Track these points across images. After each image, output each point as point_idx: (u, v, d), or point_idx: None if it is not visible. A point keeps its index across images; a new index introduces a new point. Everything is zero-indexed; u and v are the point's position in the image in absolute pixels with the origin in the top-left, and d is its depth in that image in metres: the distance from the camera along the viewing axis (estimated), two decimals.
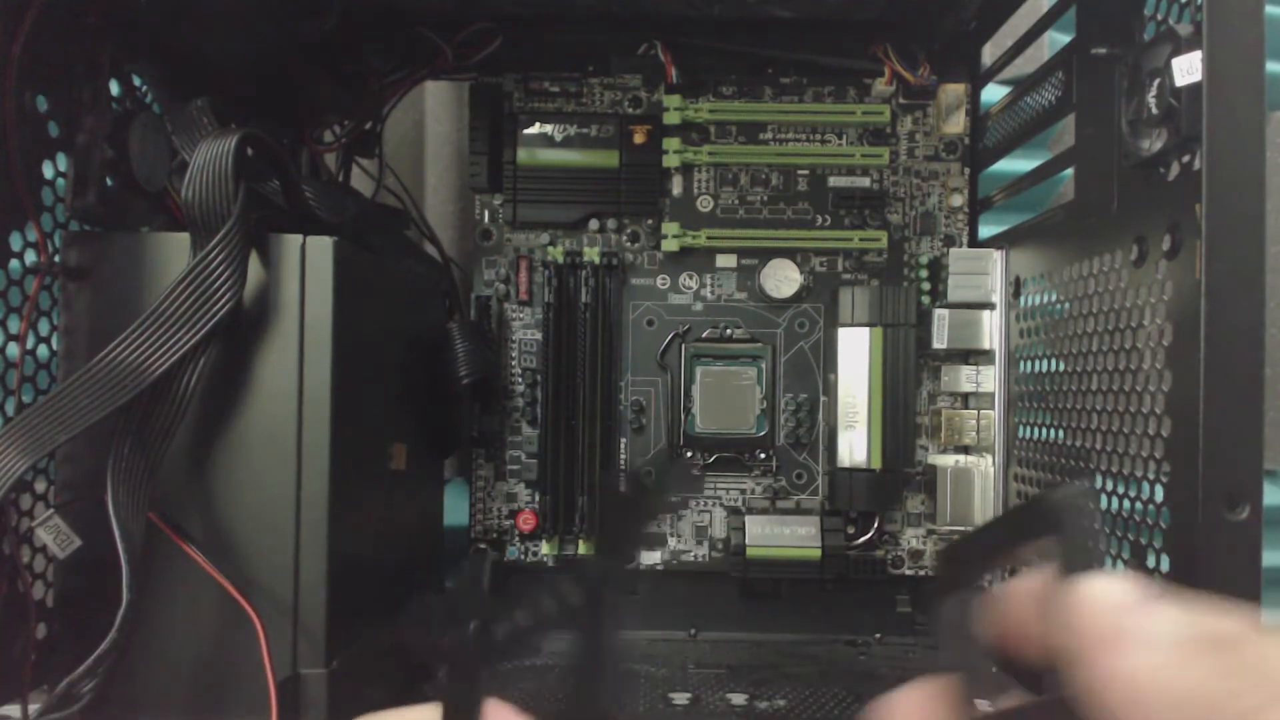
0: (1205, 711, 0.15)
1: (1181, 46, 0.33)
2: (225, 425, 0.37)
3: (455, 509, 0.59)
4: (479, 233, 0.59)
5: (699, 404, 0.57)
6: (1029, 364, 0.51)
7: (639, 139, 0.57)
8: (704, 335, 0.58)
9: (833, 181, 0.58)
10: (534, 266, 0.58)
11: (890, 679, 0.50)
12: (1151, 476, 0.36)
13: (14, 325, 0.38)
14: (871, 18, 0.55)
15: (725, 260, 0.58)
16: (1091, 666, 0.17)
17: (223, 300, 0.35)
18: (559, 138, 0.57)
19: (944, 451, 0.56)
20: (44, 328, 0.39)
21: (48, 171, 0.39)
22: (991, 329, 0.55)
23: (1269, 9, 0.32)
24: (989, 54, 0.59)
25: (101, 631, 0.33)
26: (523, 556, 0.58)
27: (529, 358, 0.58)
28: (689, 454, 0.58)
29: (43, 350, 0.39)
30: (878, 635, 0.58)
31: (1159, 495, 0.35)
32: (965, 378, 0.56)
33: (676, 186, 0.58)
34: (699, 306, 0.58)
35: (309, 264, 0.37)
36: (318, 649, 0.37)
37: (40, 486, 0.39)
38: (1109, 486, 0.40)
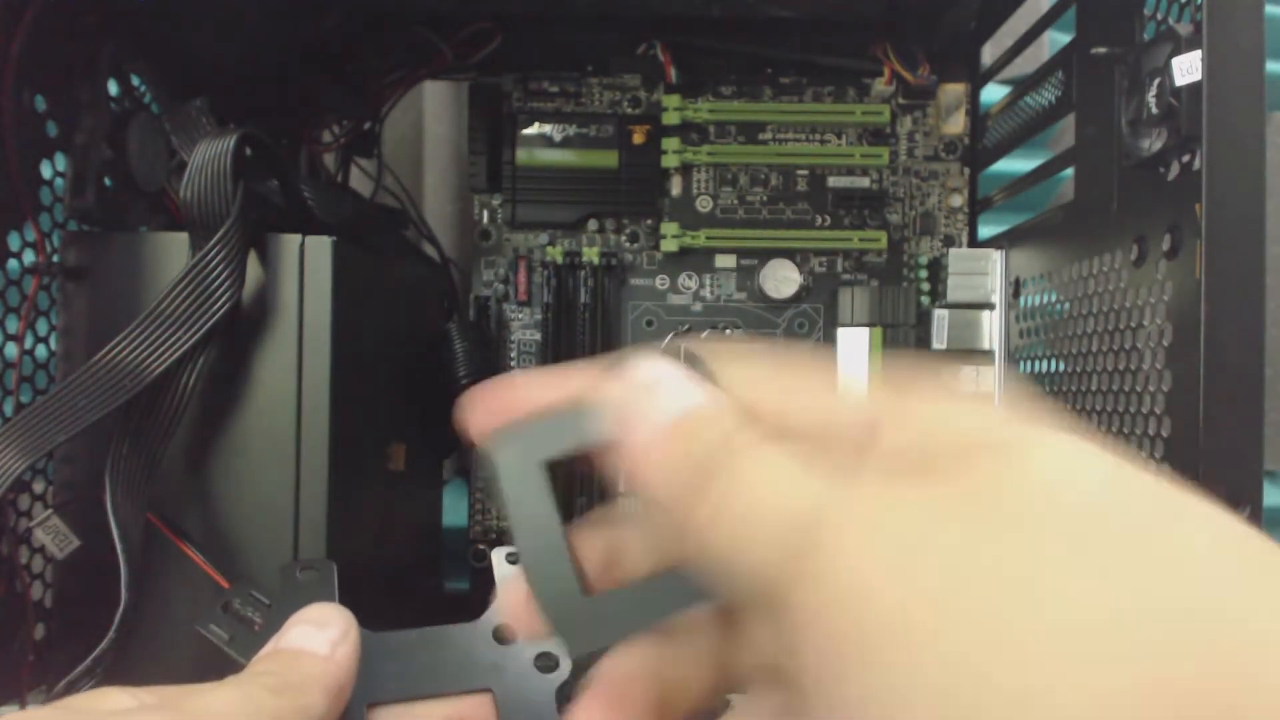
0: (693, 472, 0.17)
1: (1181, 46, 0.33)
2: (224, 425, 0.37)
3: (454, 510, 0.59)
4: (478, 233, 0.59)
5: None
6: (1029, 364, 0.51)
7: (638, 139, 0.57)
8: (703, 335, 0.58)
9: (832, 181, 0.58)
10: (533, 267, 0.58)
11: None
12: None
13: (12, 325, 0.38)
14: (871, 18, 0.55)
15: (724, 260, 0.58)
16: (621, 450, 0.18)
17: (221, 300, 0.35)
18: (558, 138, 0.57)
19: None
20: (42, 328, 0.39)
21: (46, 171, 0.39)
22: (991, 329, 0.55)
23: (1269, 9, 0.32)
24: (989, 54, 0.59)
25: (100, 632, 0.33)
26: None
27: (528, 358, 0.58)
28: None
29: (41, 350, 0.39)
30: None
31: None
32: (965, 378, 0.56)
33: (675, 187, 0.58)
34: (698, 307, 0.58)
35: (308, 264, 0.37)
36: None
37: (39, 487, 0.39)
38: None
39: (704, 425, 0.18)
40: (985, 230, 0.59)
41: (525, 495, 0.19)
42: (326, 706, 0.23)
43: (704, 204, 0.58)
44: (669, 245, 0.57)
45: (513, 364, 0.58)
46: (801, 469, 0.17)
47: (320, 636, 0.25)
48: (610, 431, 0.18)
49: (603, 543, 0.20)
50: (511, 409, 0.20)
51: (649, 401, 0.18)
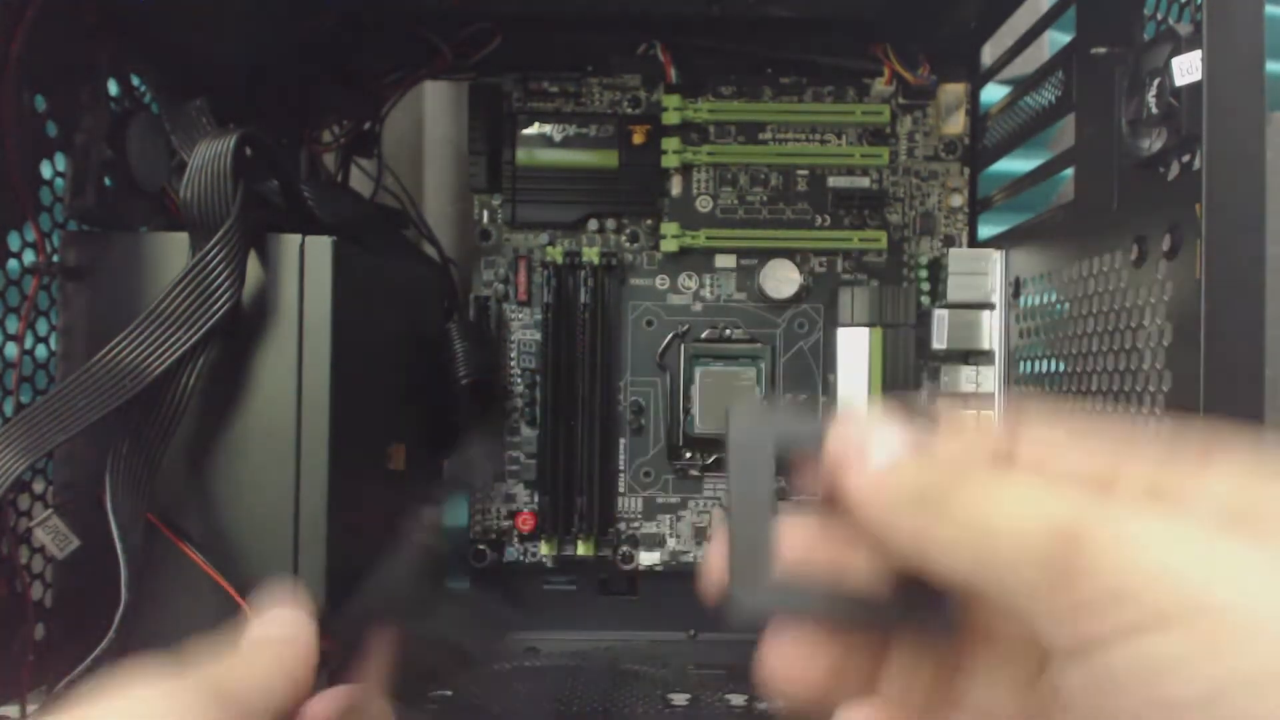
0: (920, 500, 0.18)
1: (1181, 46, 0.33)
2: (224, 425, 0.37)
3: (454, 510, 0.59)
4: (478, 233, 0.59)
5: (698, 404, 0.57)
6: (1029, 364, 0.51)
7: (638, 139, 0.57)
8: (703, 336, 0.58)
9: (832, 181, 0.58)
10: (533, 267, 0.58)
11: None
12: None
13: (12, 325, 0.38)
14: (871, 18, 0.55)
15: (724, 260, 0.58)
16: (845, 487, 0.20)
17: (221, 300, 0.35)
18: (558, 138, 0.57)
19: None
20: (42, 328, 0.39)
21: (46, 171, 0.39)
22: (991, 329, 0.55)
23: (1269, 9, 0.32)
24: (989, 54, 0.59)
25: (100, 632, 0.33)
26: (521, 557, 0.58)
27: (528, 358, 0.58)
28: (688, 454, 0.58)
29: (41, 350, 0.39)
30: None
31: None
32: (965, 378, 0.56)
33: (676, 187, 0.58)
34: (698, 307, 0.58)
35: (308, 264, 0.37)
36: None
37: (39, 486, 0.39)
38: None
39: (935, 453, 0.19)
40: (985, 230, 0.59)
41: (750, 470, 0.21)
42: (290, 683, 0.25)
43: (704, 204, 0.58)
44: (669, 245, 0.57)
45: (513, 364, 0.58)
46: (1051, 485, 0.17)
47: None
48: (837, 452, 0.20)
49: (813, 531, 0.21)
50: None
51: (875, 439, 0.20)
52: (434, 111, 0.68)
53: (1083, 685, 0.15)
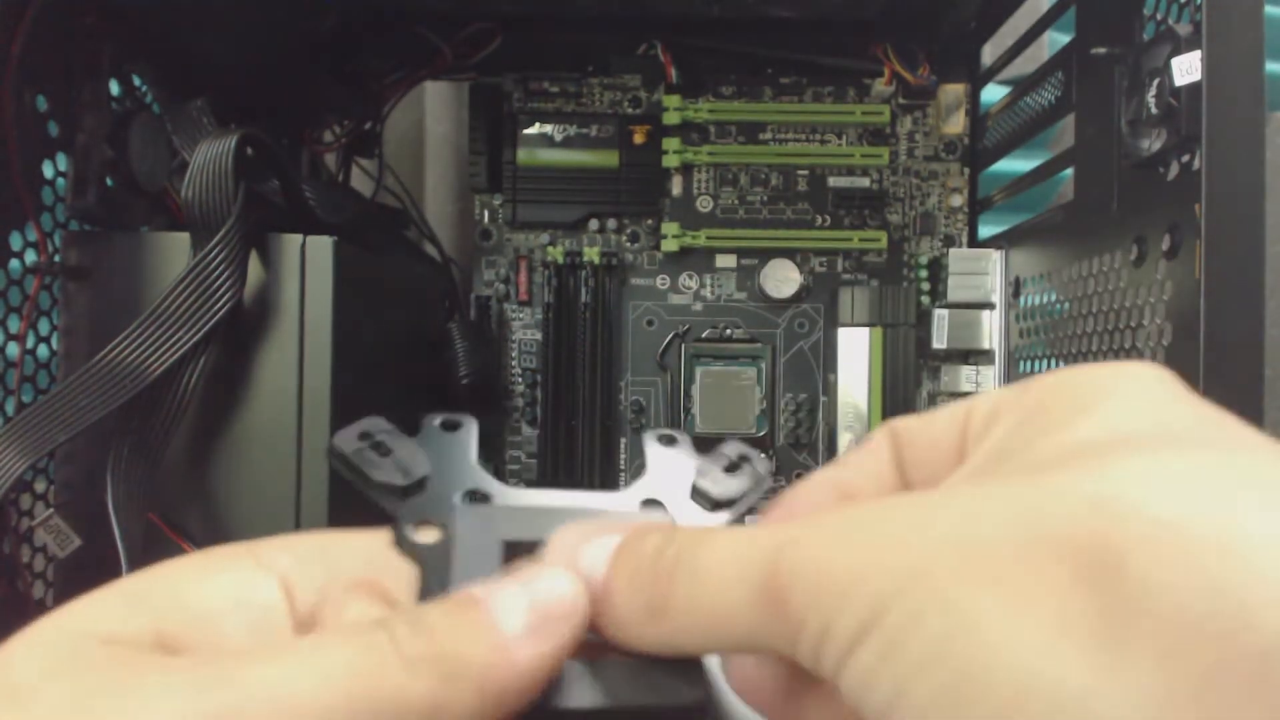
0: (648, 610, 0.17)
1: (1181, 46, 0.33)
2: (225, 425, 0.37)
3: None
4: (478, 233, 0.59)
5: (699, 404, 0.57)
6: (1029, 364, 0.51)
7: (639, 139, 0.57)
8: (704, 335, 0.58)
9: (832, 181, 0.58)
10: (534, 267, 0.58)
11: None
12: None
13: (14, 325, 0.38)
14: (871, 18, 0.55)
15: (725, 260, 0.58)
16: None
17: (223, 300, 0.35)
18: (559, 138, 0.57)
19: None
20: (44, 327, 0.39)
21: (47, 171, 0.39)
22: (991, 329, 0.55)
23: (1269, 9, 0.32)
24: (989, 54, 0.59)
25: None
26: None
27: (529, 358, 0.58)
28: None
29: (43, 350, 0.39)
30: None
31: None
32: (965, 378, 0.56)
33: (676, 186, 0.58)
34: (699, 307, 0.58)
35: (309, 264, 0.37)
36: None
37: (40, 486, 0.39)
38: None
39: (637, 546, 0.18)
40: (985, 230, 0.59)
41: (478, 564, 0.19)
42: (478, 711, 0.16)
43: (704, 204, 0.58)
44: (669, 245, 0.57)
45: (513, 364, 0.58)
46: (745, 534, 0.16)
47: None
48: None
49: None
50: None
51: (580, 555, 0.18)
52: (434, 111, 0.68)
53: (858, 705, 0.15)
